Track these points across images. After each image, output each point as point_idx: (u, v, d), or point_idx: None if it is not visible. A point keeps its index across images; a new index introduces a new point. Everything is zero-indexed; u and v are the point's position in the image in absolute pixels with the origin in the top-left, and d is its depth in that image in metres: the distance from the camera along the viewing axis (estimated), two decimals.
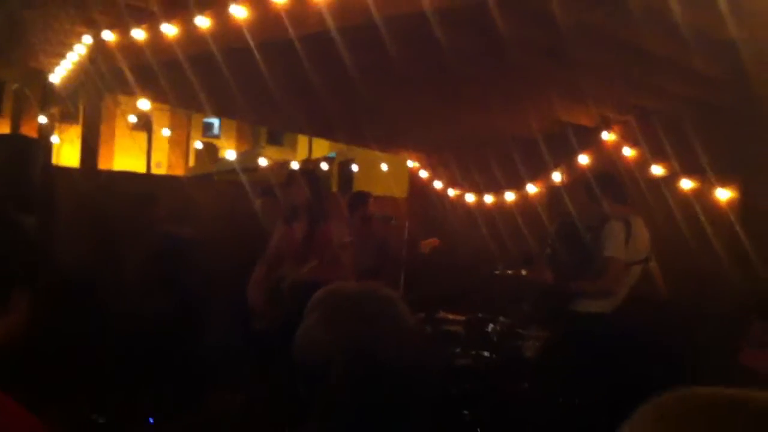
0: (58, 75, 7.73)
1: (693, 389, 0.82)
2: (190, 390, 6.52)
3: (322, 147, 21.30)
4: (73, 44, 6.99)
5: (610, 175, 5.70)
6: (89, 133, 7.44)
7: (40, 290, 1.65)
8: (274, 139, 30.42)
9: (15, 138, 7.38)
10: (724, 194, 6.02)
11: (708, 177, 6.05)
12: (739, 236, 5.20)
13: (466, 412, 5.20)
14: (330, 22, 4.78)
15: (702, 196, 6.20)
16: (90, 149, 7.48)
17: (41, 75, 7.96)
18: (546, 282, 5.33)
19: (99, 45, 6.56)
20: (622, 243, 5.05)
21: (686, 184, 6.33)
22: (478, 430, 5.18)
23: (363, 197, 7.47)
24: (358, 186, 15.28)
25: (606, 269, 5.02)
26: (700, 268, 5.79)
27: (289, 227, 5.78)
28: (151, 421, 6.14)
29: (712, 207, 6.04)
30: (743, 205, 5.66)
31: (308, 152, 23.44)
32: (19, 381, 1.73)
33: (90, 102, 7.32)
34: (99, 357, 6.21)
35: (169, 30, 5.81)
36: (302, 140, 25.82)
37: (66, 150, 12.04)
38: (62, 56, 7.36)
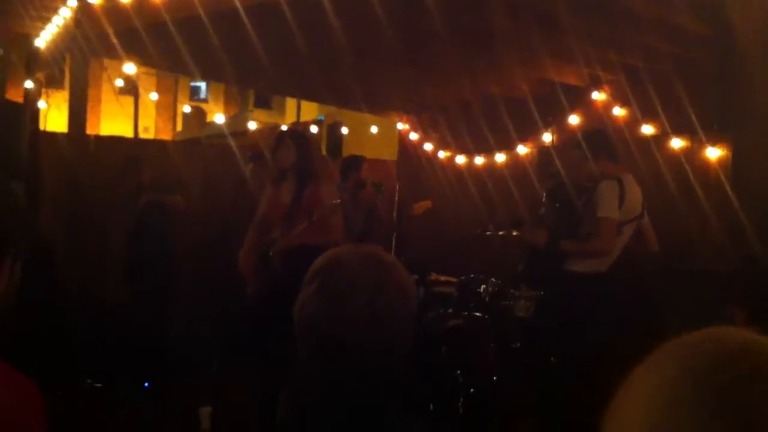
0: (43, 39, 7.64)
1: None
2: (180, 358, 6.54)
3: (310, 110, 21.16)
4: (59, 8, 6.91)
5: (602, 132, 5.67)
6: (76, 99, 7.37)
7: (30, 257, 1.65)
8: (262, 103, 30.22)
9: (2, 104, 7.30)
10: (714, 153, 6.03)
11: (698, 136, 6.06)
12: (728, 195, 5.21)
13: (459, 372, 5.24)
14: None
15: (692, 154, 6.21)
16: (77, 114, 7.41)
17: (27, 39, 7.86)
18: (539, 243, 5.33)
19: (84, 8, 6.48)
20: (615, 203, 5.04)
21: (676, 143, 6.33)
22: (472, 390, 5.23)
23: (356, 161, 7.45)
24: (348, 149, 15.24)
25: (599, 230, 5.02)
26: (690, 227, 5.82)
27: (277, 190, 5.74)
28: (147, 385, 6.17)
29: (702, 166, 6.06)
30: (733, 163, 5.67)
31: (297, 115, 23.30)
32: (12, 346, 1.74)
33: (76, 67, 7.25)
34: (90, 323, 6.22)
35: None
36: (291, 103, 25.63)
37: (53, 115, 11.94)
38: (48, 20, 7.27)
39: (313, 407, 1.76)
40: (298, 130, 6.67)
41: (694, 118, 5.79)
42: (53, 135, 8.24)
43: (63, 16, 6.92)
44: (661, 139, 6.41)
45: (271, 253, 5.58)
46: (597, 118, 6.86)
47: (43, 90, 8.18)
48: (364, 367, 1.70)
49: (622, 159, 5.49)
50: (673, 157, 6.28)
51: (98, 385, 5.83)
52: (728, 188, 5.12)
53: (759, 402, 0.75)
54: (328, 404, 1.72)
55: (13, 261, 1.57)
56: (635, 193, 5.19)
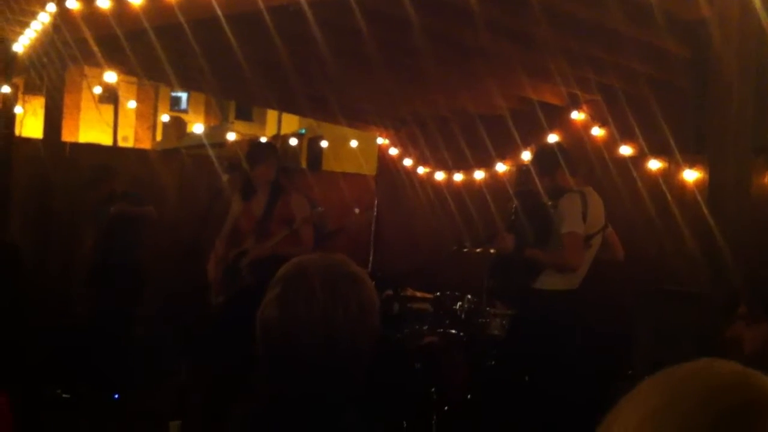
0: (21, 44, 7.57)
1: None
2: (148, 366, 6.47)
3: (291, 123, 21.13)
4: (37, 12, 6.85)
5: (553, 148, 5.66)
6: (52, 104, 7.32)
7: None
8: (243, 115, 30.14)
9: None
10: (691, 175, 6.05)
11: (675, 157, 6.08)
12: (705, 216, 5.23)
13: (433, 389, 5.20)
14: None
15: (670, 176, 6.23)
16: (53, 120, 7.35)
17: (4, 44, 7.79)
18: (507, 249, 5.26)
19: (63, 13, 6.43)
20: (580, 217, 5.01)
21: (654, 164, 6.35)
22: (446, 407, 5.19)
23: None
24: (327, 162, 15.22)
25: (565, 245, 4.97)
26: (666, 248, 5.83)
27: (248, 202, 5.76)
28: (116, 396, 6.09)
29: (679, 187, 6.08)
30: (710, 184, 5.70)
31: (277, 128, 23.24)
32: None
33: (54, 72, 7.19)
34: (57, 330, 6.15)
35: None
36: (271, 116, 25.57)
37: (30, 121, 11.85)
38: (26, 24, 7.21)
39: (264, 412, 1.74)
40: (271, 143, 6.68)
41: (671, 139, 5.80)
42: (28, 140, 8.16)
43: (41, 21, 6.86)
44: (638, 159, 6.43)
45: (242, 264, 5.59)
46: (576, 138, 6.87)
47: (20, 95, 8.10)
48: (316, 375, 1.69)
49: (597, 177, 5.49)
50: (650, 178, 6.29)
51: (66, 395, 5.74)
52: (705, 209, 5.14)
53: None
54: (279, 409, 1.70)
55: None
56: (598, 206, 5.18)
